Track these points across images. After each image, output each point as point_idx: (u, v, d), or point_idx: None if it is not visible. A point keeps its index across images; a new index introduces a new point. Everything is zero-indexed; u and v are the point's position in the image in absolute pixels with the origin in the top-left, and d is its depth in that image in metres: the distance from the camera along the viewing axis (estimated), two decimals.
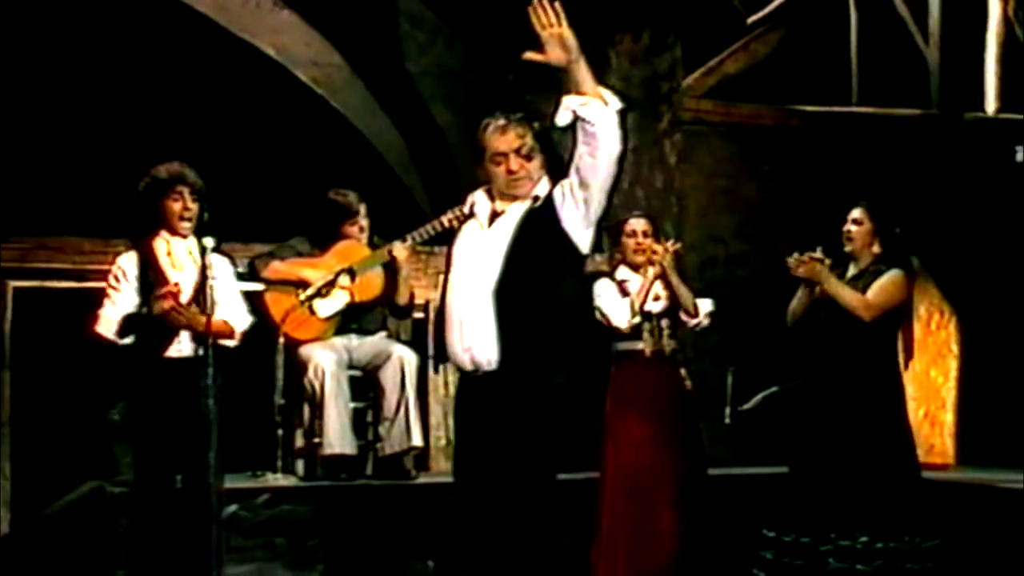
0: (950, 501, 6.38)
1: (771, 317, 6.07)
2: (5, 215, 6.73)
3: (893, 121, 8.06)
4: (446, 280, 4.56)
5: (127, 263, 5.26)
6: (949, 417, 8.27)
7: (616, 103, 4.49)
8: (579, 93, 4.49)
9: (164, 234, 5.29)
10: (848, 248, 5.80)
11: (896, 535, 5.62)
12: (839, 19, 8.37)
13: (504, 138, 4.50)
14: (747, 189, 7.90)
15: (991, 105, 8.41)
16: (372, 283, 6.52)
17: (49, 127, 7.39)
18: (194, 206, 5.33)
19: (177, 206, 5.27)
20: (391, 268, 6.51)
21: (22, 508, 6.82)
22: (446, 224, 6.51)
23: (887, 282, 5.71)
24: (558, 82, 7.51)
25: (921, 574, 5.64)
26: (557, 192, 4.46)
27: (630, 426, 6.01)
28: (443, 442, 7.22)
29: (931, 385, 8.32)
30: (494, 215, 4.51)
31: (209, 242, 5.21)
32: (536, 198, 4.47)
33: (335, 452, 6.30)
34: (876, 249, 5.80)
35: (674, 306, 6.05)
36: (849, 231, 5.80)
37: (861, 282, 5.76)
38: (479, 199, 4.57)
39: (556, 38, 4.46)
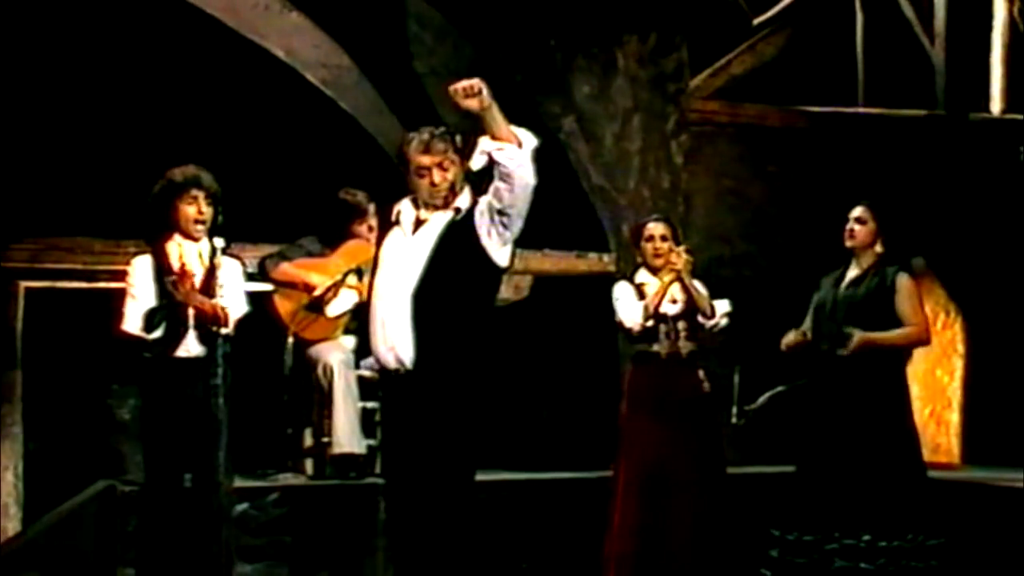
0: (955, 500, 6.40)
1: (777, 317, 6.10)
2: (16, 216, 6.77)
3: (898, 122, 8.07)
4: (372, 283, 4.81)
5: (142, 265, 5.31)
6: (955, 417, 8.29)
7: (530, 143, 4.75)
8: (494, 137, 4.71)
9: (177, 237, 5.34)
10: (850, 245, 5.84)
11: (900, 534, 5.66)
12: (845, 20, 8.39)
13: (427, 153, 4.80)
14: (753, 190, 7.92)
15: (996, 105, 8.43)
16: None
17: (61, 129, 7.43)
18: (208, 210, 5.38)
19: (191, 210, 5.32)
20: None
21: (33, 507, 6.86)
22: None
23: (908, 292, 5.77)
24: (566, 84, 7.63)
25: (925, 572, 5.67)
26: (478, 211, 4.69)
27: (644, 427, 6.06)
28: None
29: (937, 385, 8.34)
30: (418, 223, 4.76)
31: (220, 243, 5.25)
32: (458, 210, 4.74)
33: (344, 451, 6.35)
34: (879, 249, 5.84)
35: (691, 308, 6.09)
36: (853, 229, 5.83)
37: (864, 284, 5.80)
38: (405, 207, 4.81)
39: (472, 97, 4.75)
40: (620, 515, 6.03)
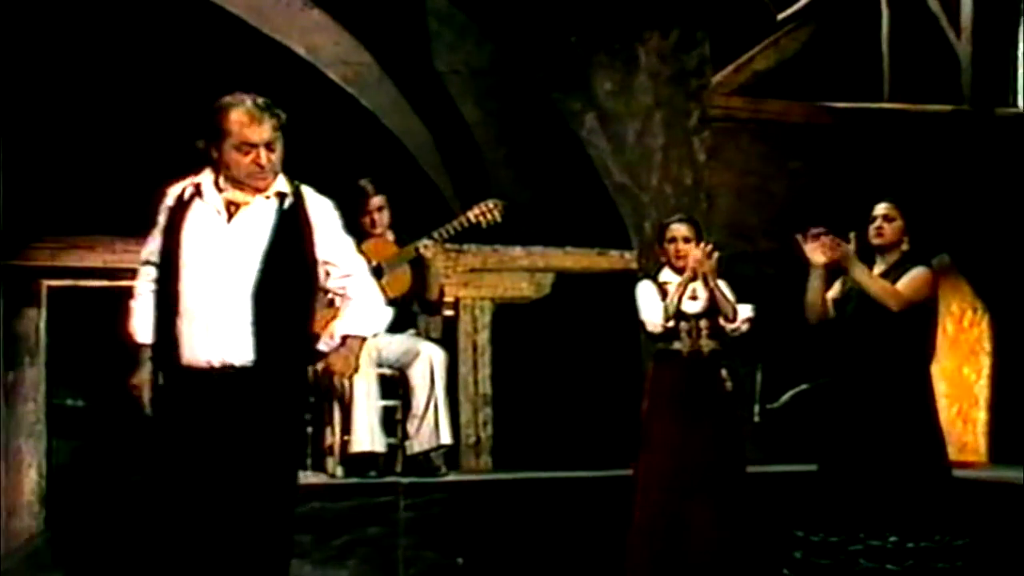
0: (982, 499, 6.34)
1: (800, 315, 6.06)
2: (37, 215, 6.79)
3: (923, 117, 8.03)
4: (174, 267, 4.37)
5: None
6: (982, 415, 8.23)
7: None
8: None
9: None
10: (878, 243, 5.80)
11: (926, 534, 5.62)
12: (870, 15, 8.34)
13: (258, 128, 4.32)
14: (776, 186, 7.88)
15: (1023, 100, 8.37)
16: (401, 280, 6.56)
17: (81, 127, 7.45)
18: None
19: None
20: (419, 265, 6.56)
21: (56, 506, 6.88)
22: (472, 220, 6.61)
23: (916, 276, 5.73)
24: (587, 81, 7.61)
25: (951, 573, 5.63)
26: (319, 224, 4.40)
27: (664, 425, 6.05)
28: (473, 439, 7.25)
29: (964, 383, 8.28)
30: (233, 206, 4.36)
31: None
32: (281, 196, 4.39)
33: (364, 450, 6.36)
34: (904, 247, 5.81)
35: (713, 308, 6.08)
36: (881, 227, 5.80)
37: (889, 278, 5.76)
38: (206, 184, 4.40)
39: None
40: (641, 514, 6.02)
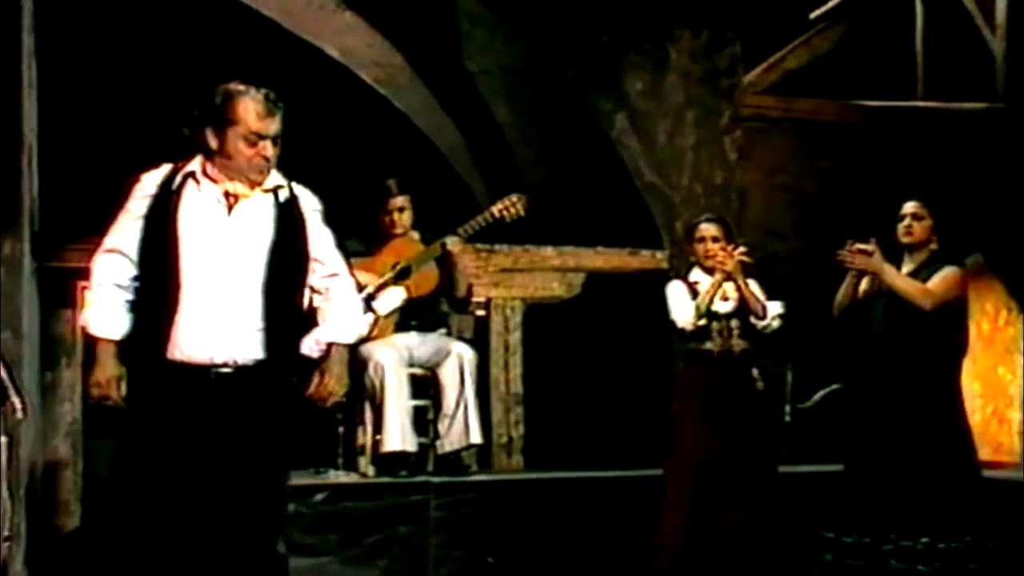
0: (1017, 500, 6.30)
1: (832, 314, 6.04)
2: (73, 217, 6.85)
3: (957, 115, 7.96)
4: (171, 260, 4.16)
5: None
6: (1017, 415, 8.16)
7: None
8: None
9: None
10: (907, 242, 5.79)
11: (958, 535, 5.61)
12: (903, 12, 8.29)
13: (270, 120, 4.20)
14: (808, 185, 7.85)
15: None
16: (428, 278, 6.59)
17: (115, 129, 7.51)
18: None
19: None
20: (446, 262, 6.58)
21: (93, 504, 6.95)
22: (496, 215, 6.63)
23: (947, 275, 5.72)
24: (618, 81, 7.62)
25: (982, 574, 5.61)
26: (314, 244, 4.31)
27: (695, 425, 6.08)
28: (504, 439, 7.27)
29: (999, 383, 8.21)
30: (232, 198, 4.22)
31: None
32: (277, 190, 4.26)
33: (395, 449, 6.37)
34: (934, 246, 5.80)
35: (744, 307, 6.10)
36: (911, 226, 5.78)
37: (919, 277, 5.74)
38: (201, 173, 4.23)
39: None
40: (670, 513, 6.04)
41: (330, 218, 6.84)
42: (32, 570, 5.64)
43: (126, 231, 4.26)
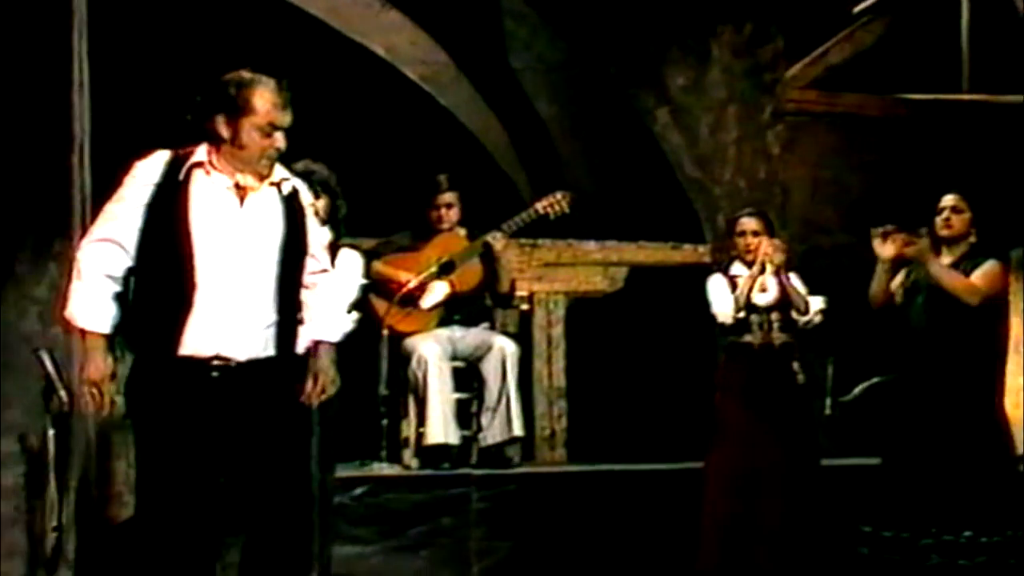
0: None
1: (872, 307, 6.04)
2: None
3: (1001, 108, 7.93)
4: (184, 252, 3.98)
5: None
6: None
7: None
8: None
9: None
10: (946, 235, 5.76)
11: (999, 530, 5.59)
12: (948, 6, 8.26)
13: (286, 112, 4.07)
14: (851, 179, 7.84)
15: None
16: (472, 273, 6.69)
17: (167, 128, 7.62)
18: (318, 203, 5.52)
19: None
20: (489, 258, 6.67)
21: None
22: (540, 211, 6.72)
23: (990, 269, 5.70)
24: (660, 77, 7.66)
25: (1021, 568, 5.60)
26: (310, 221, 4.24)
27: (735, 418, 6.11)
28: (548, 432, 7.34)
29: None
30: (242, 189, 4.06)
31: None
32: (278, 186, 4.12)
33: (438, 442, 6.46)
34: (973, 239, 5.78)
35: (784, 300, 6.12)
36: (949, 219, 5.76)
37: (958, 271, 5.72)
38: (208, 162, 4.06)
39: None
40: (712, 506, 6.06)
41: (377, 213, 7.00)
42: (84, 561, 5.72)
43: (122, 220, 4.06)
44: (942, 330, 5.69)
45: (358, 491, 6.17)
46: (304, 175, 5.46)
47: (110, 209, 4.11)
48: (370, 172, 7.73)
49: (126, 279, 4.07)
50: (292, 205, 4.14)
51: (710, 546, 6.04)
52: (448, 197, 6.71)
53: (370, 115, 7.91)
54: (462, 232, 6.77)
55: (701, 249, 7.61)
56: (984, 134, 7.81)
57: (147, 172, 4.08)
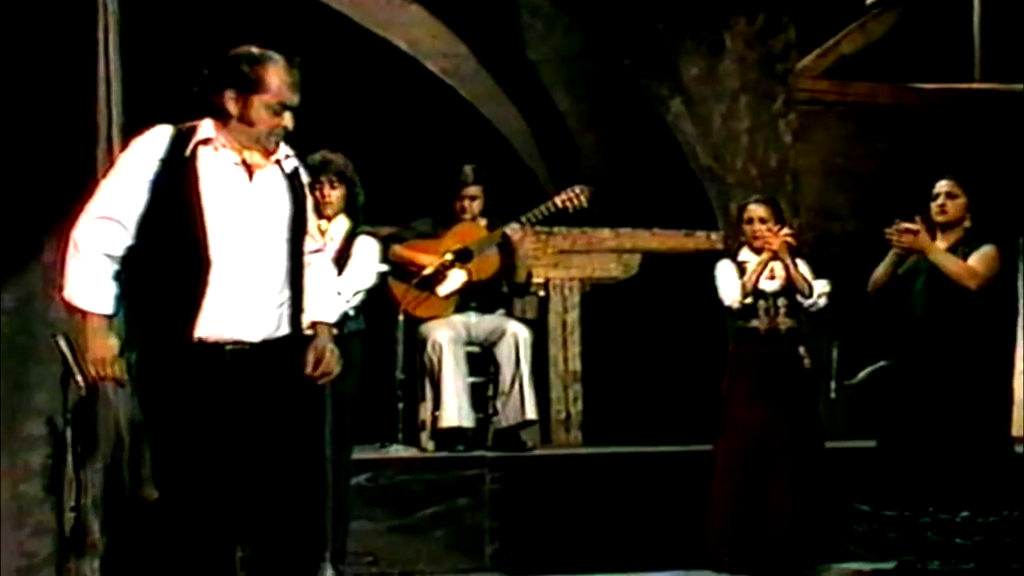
0: None
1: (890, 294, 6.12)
2: None
3: (1012, 97, 7.98)
4: (198, 232, 3.87)
5: None
6: None
7: None
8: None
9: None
10: (942, 220, 5.85)
11: (996, 510, 5.69)
12: None
13: (296, 92, 3.97)
14: (863, 167, 7.92)
15: None
16: (489, 263, 6.83)
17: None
18: (333, 192, 5.73)
19: (317, 194, 5.56)
20: (507, 248, 6.81)
21: None
22: (559, 205, 6.83)
23: (987, 253, 5.79)
24: (674, 67, 7.76)
25: (1017, 547, 5.68)
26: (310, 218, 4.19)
27: (742, 401, 6.22)
28: (563, 415, 7.47)
29: None
30: (249, 166, 3.97)
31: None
32: (284, 161, 4.05)
33: (452, 425, 6.61)
34: (967, 223, 5.86)
35: (791, 286, 6.22)
36: (944, 204, 5.84)
37: (955, 255, 5.80)
38: (216, 137, 3.95)
39: None
40: (719, 488, 6.19)
41: (401, 201, 7.14)
42: (113, 540, 5.81)
43: (123, 197, 3.92)
44: (941, 313, 5.79)
45: (375, 472, 6.31)
46: (321, 165, 5.73)
47: (109, 186, 3.97)
48: (394, 162, 7.90)
49: (124, 259, 3.95)
50: (294, 183, 4.07)
51: (718, 525, 6.15)
52: (473, 190, 6.85)
53: (394, 107, 8.06)
54: (482, 222, 6.90)
55: (714, 236, 7.70)
56: (996, 122, 7.86)
57: (150, 147, 3.95)
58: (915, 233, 5.78)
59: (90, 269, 3.91)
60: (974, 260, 5.77)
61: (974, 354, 5.80)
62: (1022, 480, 5.78)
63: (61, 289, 3.96)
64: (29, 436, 5.56)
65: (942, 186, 5.86)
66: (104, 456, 5.78)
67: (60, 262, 3.99)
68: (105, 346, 3.91)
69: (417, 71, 8.20)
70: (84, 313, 3.93)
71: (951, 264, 5.75)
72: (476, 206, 6.87)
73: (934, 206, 5.86)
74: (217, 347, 3.90)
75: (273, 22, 7.97)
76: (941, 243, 5.87)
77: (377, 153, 7.70)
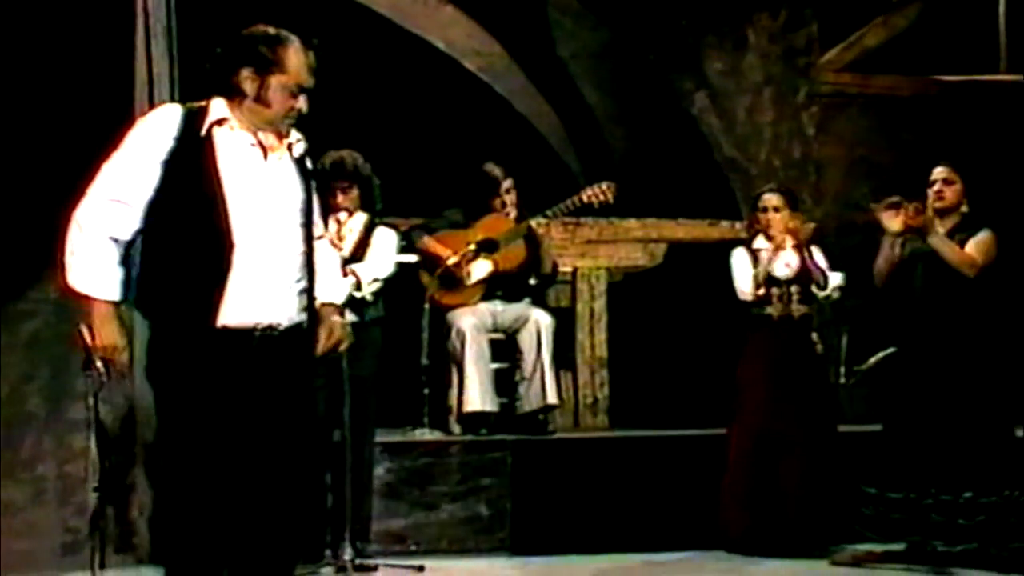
0: None
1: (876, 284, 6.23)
2: None
3: None
4: (218, 214, 3.73)
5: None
6: None
7: None
8: None
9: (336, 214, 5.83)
10: (939, 206, 5.90)
11: (997, 490, 5.78)
12: None
13: (311, 75, 3.89)
14: (885, 158, 7.98)
15: None
16: (515, 254, 6.99)
17: None
18: (348, 195, 5.91)
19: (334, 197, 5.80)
20: (533, 240, 6.99)
21: None
22: (585, 200, 6.99)
23: (984, 239, 5.84)
24: (698, 62, 7.92)
25: (1018, 527, 5.76)
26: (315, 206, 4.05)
27: (756, 388, 6.35)
28: (590, 400, 7.64)
29: None
30: (263, 147, 3.86)
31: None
32: (295, 144, 3.95)
33: (475, 409, 6.78)
34: (964, 209, 5.91)
35: (804, 274, 6.33)
36: (941, 191, 5.89)
37: (953, 241, 5.86)
38: (230, 117, 3.83)
39: None
40: (732, 470, 6.33)
41: (440, 194, 7.36)
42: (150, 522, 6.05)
43: (131, 178, 3.77)
44: (941, 297, 5.86)
45: (401, 455, 6.48)
46: (332, 169, 5.96)
47: (116, 166, 3.81)
48: (432, 157, 8.13)
49: (131, 243, 3.82)
50: (304, 166, 3.98)
51: (731, 507, 6.28)
52: (507, 184, 7.01)
53: (433, 104, 8.29)
54: (512, 213, 7.06)
55: (737, 226, 7.75)
56: (1016, 113, 7.90)
57: (162, 126, 3.81)
58: (897, 207, 5.81)
59: (96, 253, 3.76)
60: (971, 247, 5.80)
61: (975, 338, 5.87)
62: (1022, 461, 5.87)
63: (64, 275, 3.81)
64: (73, 419, 5.82)
65: (939, 172, 5.90)
66: (140, 438, 6.07)
67: (62, 245, 3.81)
68: (112, 333, 3.79)
69: (455, 70, 8.42)
70: (90, 300, 3.79)
71: (949, 251, 5.79)
72: (513, 198, 7.05)
73: (931, 193, 5.89)
74: (243, 333, 3.78)
75: (318, 24, 8.25)
76: (939, 229, 5.91)
77: (416, 148, 7.97)
